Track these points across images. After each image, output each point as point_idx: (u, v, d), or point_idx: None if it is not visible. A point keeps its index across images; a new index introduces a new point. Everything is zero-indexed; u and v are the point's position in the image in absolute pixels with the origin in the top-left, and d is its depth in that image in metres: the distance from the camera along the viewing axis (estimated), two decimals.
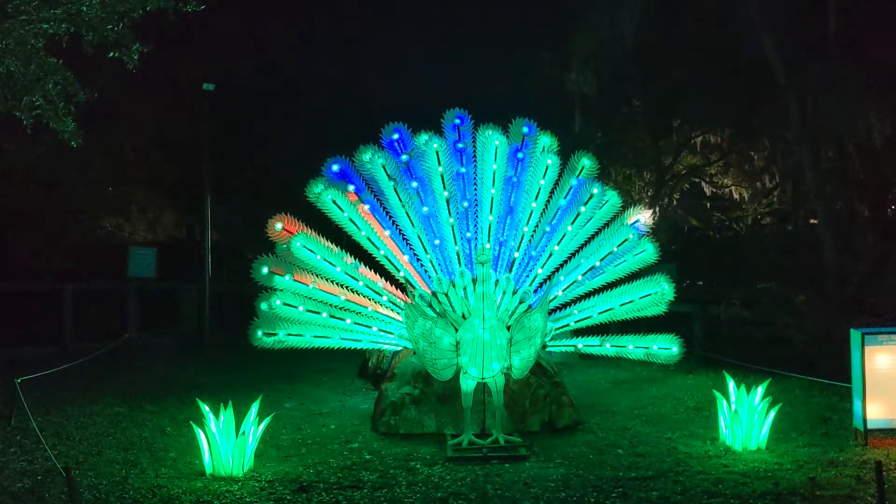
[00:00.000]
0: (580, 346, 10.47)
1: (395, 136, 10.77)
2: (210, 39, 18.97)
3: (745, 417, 8.68)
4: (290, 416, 10.58)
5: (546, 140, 11.08)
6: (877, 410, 8.87)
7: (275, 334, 10.30)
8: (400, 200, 10.48)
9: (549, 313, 10.14)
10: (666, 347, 10.30)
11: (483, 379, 8.88)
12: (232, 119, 19.87)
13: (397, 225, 10.68)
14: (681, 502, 7.08)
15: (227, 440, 7.94)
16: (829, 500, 7.04)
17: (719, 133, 19.10)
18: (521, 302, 10.13)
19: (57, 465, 7.88)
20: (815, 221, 16.34)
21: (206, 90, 17.41)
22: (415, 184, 10.49)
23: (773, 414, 8.75)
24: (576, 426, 9.79)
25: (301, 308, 10.37)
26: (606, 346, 10.36)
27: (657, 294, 10.46)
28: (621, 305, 10.51)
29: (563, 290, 10.61)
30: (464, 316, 9.68)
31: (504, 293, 10.11)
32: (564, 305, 10.63)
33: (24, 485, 7.75)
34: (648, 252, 10.81)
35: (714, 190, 19.79)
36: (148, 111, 19.97)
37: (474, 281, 9.82)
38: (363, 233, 10.59)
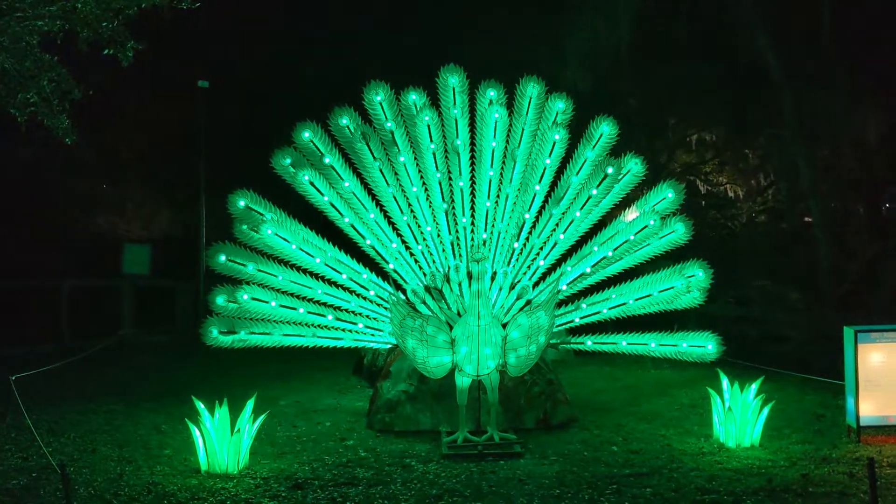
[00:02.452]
0: (589, 342, 9.82)
1: (380, 98, 9.65)
2: (206, 37, 18.94)
3: (738, 415, 8.71)
4: (285, 414, 10.59)
5: (560, 104, 9.75)
6: (869, 407, 8.91)
7: (234, 332, 9.54)
8: (387, 182, 9.58)
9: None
10: (700, 345, 9.50)
11: (478, 376, 8.87)
12: (229, 115, 19.85)
13: (383, 208, 9.75)
14: (675, 499, 7.11)
15: (222, 437, 7.94)
16: (821, 496, 7.08)
17: (714, 131, 19.12)
18: (518, 298, 9.82)
19: (52, 462, 7.88)
20: (810, 220, 16.39)
21: (200, 87, 17.42)
22: (402, 158, 9.51)
23: (766, 411, 8.79)
24: (570, 423, 9.81)
25: (273, 303, 9.59)
26: (623, 344, 9.70)
27: (679, 288, 9.45)
28: (636, 300, 9.63)
29: (569, 284, 9.81)
30: (459, 313, 9.57)
31: (500, 289, 9.80)
32: (572, 298, 9.94)
33: (19, 482, 7.75)
34: (679, 233, 9.68)
35: (709, 188, 19.82)
36: (143, 108, 19.95)
37: (469, 276, 9.39)
38: (346, 220, 9.75)
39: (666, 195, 9.85)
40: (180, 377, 13.15)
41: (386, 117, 9.65)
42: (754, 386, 8.87)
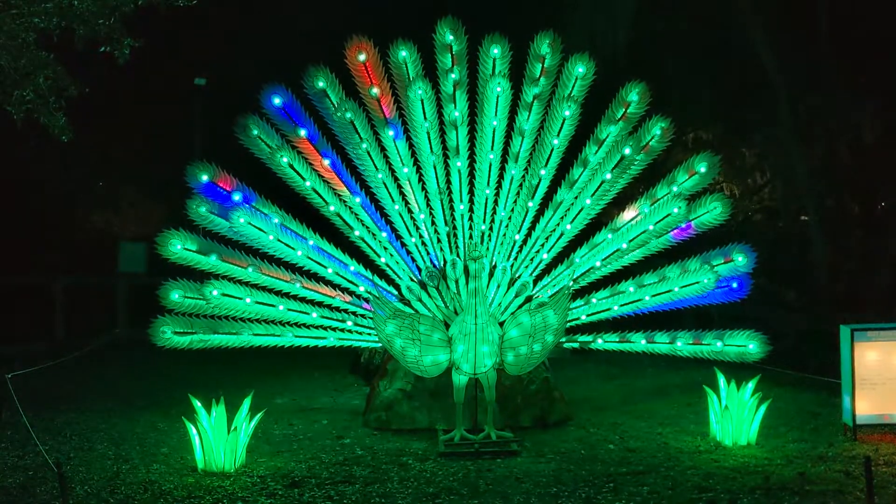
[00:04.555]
0: (600, 340, 9.50)
1: (363, 58, 8.52)
2: (203, 34, 18.88)
3: (735, 413, 8.72)
4: (281, 412, 10.58)
5: (580, 68, 8.61)
6: (865, 406, 8.94)
7: (192, 332, 8.87)
8: (375, 167, 8.71)
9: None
10: (741, 345, 9.04)
11: (475, 375, 8.83)
12: (225, 113, 19.78)
13: (373, 195, 8.94)
14: (671, 497, 7.12)
15: (219, 436, 7.93)
16: (817, 494, 7.09)
17: (710, 130, 19.15)
18: (517, 295, 9.60)
19: (48, 461, 7.86)
20: (806, 218, 16.42)
21: (197, 85, 17.40)
22: (391, 132, 8.55)
23: (762, 410, 8.80)
24: (567, 421, 9.80)
25: (248, 300, 8.83)
26: (641, 343, 9.34)
27: (707, 283, 8.65)
28: (653, 296, 8.96)
29: (575, 279, 9.22)
30: (456, 312, 9.49)
31: (498, 286, 9.59)
32: (580, 293, 9.44)
33: (15, 480, 7.74)
34: (716, 212, 8.85)
35: (705, 187, 19.85)
36: (139, 106, 19.89)
37: (466, 272, 9.16)
38: (332, 208, 9.02)
39: (697, 170, 8.97)
40: (176, 375, 13.09)
41: (371, 82, 8.60)
42: (751, 384, 8.87)
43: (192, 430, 8.00)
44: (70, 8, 8.49)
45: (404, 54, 8.55)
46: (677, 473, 7.76)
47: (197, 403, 8.04)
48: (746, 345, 9.23)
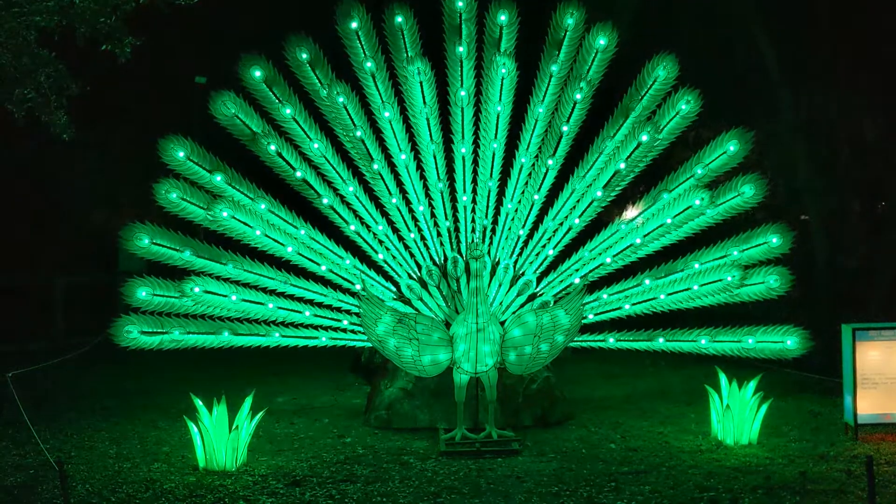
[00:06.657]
0: (611, 339, 9.26)
1: (355, 25, 7.87)
2: (204, 32, 18.86)
3: (736, 412, 8.72)
4: (282, 411, 10.58)
5: (601, 40, 7.93)
6: (867, 405, 8.93)
7: (163, 332, 8.50)
8: (371, 157, 8.29)
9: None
10: (778, 341, 8.63)
11: (476, 374, 8.81)
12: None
13: (367, 184, 8.47)
14: (673, 496, 7.11)
15: (220, 434, 7.92)
16: (819, 494, 7.08)
17: (712, 128, 19.11)
18: (519, 294, 9.49)
19: (49, 460, 7.85)
20: (807, 217, 16.40)
21: (197, 83, 17.38)
22: (387, 113, 7.95)
23: (764, 409, 8.79)
24: (568, 420, 9.80)
25: (234, 297, 8.46)
26: (660, 341, 9.10)
27: (732, 281, 8.27)
28: (669, 295, 8.59)
29: (585, 275, 8.85)
30: (457, 311, 9.48)
31: (500, 285, 9.48)
32: (589, 290, 9.02)
33: (16, 479, 7.75)
34: (747, 195, 8.20)
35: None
36: (139, 104, 19.88)
37: (468, 271, 8.98)
38: (325, 201, 8.65)
39: (727, 149, 8.31)
40: (177, 374, 13.08)
41: (365, 54, 7.90)
42: (752, 384, 8.86)
43: (194, 429, 7.99)
44: (71, 6, 8.47)
45: (400, 20, 7.95)
46: (679, 472, 7.76)
47: (198, 402, 8.03)
48: (784, 341, 8.87)
